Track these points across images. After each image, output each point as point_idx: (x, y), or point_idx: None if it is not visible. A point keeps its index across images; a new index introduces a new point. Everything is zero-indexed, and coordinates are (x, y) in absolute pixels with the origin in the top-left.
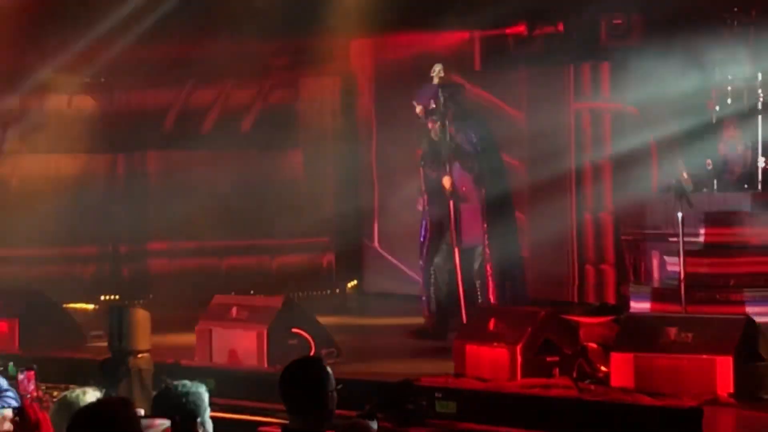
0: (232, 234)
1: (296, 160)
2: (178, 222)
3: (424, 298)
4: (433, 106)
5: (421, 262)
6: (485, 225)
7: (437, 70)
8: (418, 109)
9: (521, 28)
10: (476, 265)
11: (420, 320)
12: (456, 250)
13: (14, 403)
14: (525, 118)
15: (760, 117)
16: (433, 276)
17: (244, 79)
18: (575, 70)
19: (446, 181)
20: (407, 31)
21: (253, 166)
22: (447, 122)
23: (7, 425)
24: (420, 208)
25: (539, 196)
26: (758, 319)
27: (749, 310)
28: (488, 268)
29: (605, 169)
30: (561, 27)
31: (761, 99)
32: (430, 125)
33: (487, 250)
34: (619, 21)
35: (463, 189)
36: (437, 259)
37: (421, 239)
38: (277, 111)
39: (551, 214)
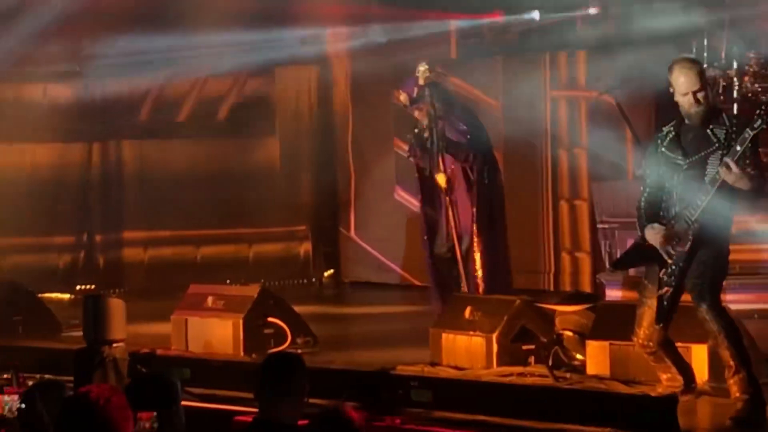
0: (208, 223)
1: (272, 149)
2: (153, 211)
3: (434, 292)
4: (417, 93)
5: (427, 259)
6: (476, 214)
7: (422, 70)
8: (402, 97)
9: (497, 16)
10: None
11: (401, 309)
12: (457, 245)
13: None
14: (501, 106)
15: (735, 105)
16: (436, 268)
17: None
18: (551, 59)
19: (441, 179)
20: (384, 18)
21: (229, 155)
22: (436, 119)
23: None
24: (419, 203)
25: (515, 184)
26: (734, 307)
27: (728, 298)
28: (477, 257)
29: (581, 157)
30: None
31: (737, 89)
32: (416, 113)
33: (476, 240)
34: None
35: (454, 180)
36: (437, 251)
37: (425, 236)
38: (253, 100)
39: (527, 202)
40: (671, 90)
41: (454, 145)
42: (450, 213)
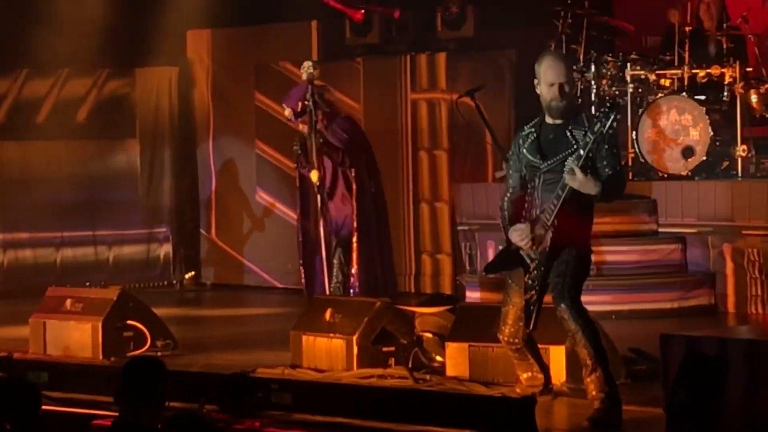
0: (68, 225)
1: (133, 150)
2: (12, 213)
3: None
4: (303, 106)
5: (301, 262)
6: (357, 221)
7: (307, 67)
8: (287, 111)
9: (359, 16)
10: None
11: (261, 311)
12: (324, 249)
13: None
14: (362, 108)
15: (593, 108)
16: (335, 276)
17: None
18: (412, 60)
19: (314, 175)
20: (244, 20)
21: (89, 157)
22: (316, 119)
23: None
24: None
25: None
26: (592, 308)
27: (585, 299)
28: (354, 263)
29: (441, 159)
30: (397, 15)
31: (594, 92)
32: (300, 127)
33: (354, 246)
34: (455, 11)
35: (335, 187)
36: (334, 259)
37: (301, 239)
38: (113, 101)
39: (388, 204)
40: (536, 81)
41: (328, 144)
42: (320, 210)
